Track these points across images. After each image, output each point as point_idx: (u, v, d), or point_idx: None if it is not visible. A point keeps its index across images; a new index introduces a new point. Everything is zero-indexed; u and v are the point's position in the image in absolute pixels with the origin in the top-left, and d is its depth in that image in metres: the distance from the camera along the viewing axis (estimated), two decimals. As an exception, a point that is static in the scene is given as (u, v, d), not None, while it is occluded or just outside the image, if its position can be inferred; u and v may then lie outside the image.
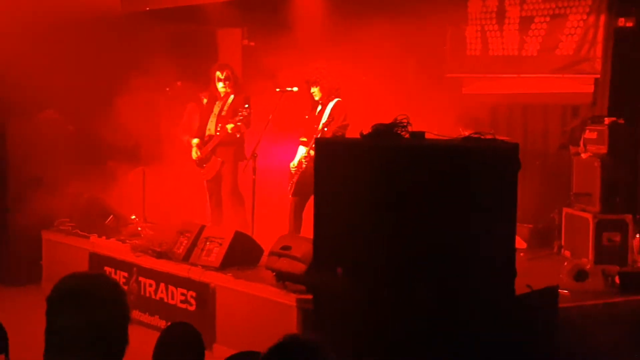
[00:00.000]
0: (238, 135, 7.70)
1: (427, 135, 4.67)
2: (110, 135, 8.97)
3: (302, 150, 7.48)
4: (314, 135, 7.13)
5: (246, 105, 7.59)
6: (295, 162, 7.45)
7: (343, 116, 7.29)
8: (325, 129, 7.19)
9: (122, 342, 2.25)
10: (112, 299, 2.24)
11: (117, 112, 8.93)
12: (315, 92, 7.44)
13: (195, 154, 7.91)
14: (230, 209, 7.87)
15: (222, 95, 7.89)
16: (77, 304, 2.19)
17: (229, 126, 7.58)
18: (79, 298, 2.20)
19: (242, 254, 6.72)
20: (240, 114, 7.57)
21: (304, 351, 2.25)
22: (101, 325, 2.18)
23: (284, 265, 5.98)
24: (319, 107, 7.51)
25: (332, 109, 7.36)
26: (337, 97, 7.44)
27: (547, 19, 8.19)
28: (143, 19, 9.83)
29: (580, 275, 6.25)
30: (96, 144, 9.13)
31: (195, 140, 7.98)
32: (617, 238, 6.89)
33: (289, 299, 5.79)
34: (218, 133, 7.75)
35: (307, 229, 6.60)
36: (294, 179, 7.39)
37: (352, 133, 7.10)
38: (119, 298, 2.26)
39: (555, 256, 7.39)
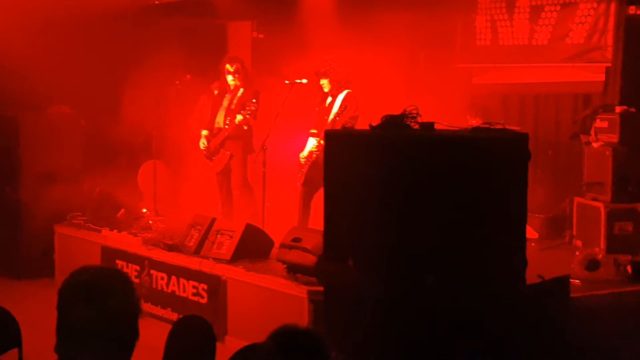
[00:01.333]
0: (245, 128, 7.71)
1: (436, 126, 4.66)
2: (122, 129, 9.01)
3: (312, 142, 7.49)
4: (325, 127, 7.14)
5: (254, 100, 7.60)
6: (305, 153, 7.46)
7: (354, 107, 7.29)
8: (337, 118, 7.19)
9: (133, 335, 2.26)
10: (123, 292, 2.25)
11: (128, 106, 8.96)
12: (325, 83, 7.45)
13: (202, 144, 7.93)
14: (241, 202, 7.89)
15: (231, 88, 7.90)
16: (88, 297, 2.20)
17: (239, 117, 7.60)
18: (90, 291, 2.22)
19: (253, 247, 6.74)
20: (248, 107, 7.58)
21: (304, 340, 2.27)
22: (112, 318, 2.19)
23: (295, 257, 6.00)
24: (329, 99, 7.51)
25: (343, 100, 7.37)
26: (347, 89, 7.44)
27: (558, 7, 8.15)
28: (153, 13, 9.85)
29: (592, 264, 6.23)
30: (108, 138, 9.17)
31: (204, 132, 7.99)
32: (629, 227, 6.87)
33: (299, 291, 5.80)
34: (227, 126, 7.76)
35: (317, 220, 6.61)
36: (304, 169, 7.41)
37: (362, 124, 7.11)
38: (129, 291, 2.27)
39: (566, 246, 7.36)
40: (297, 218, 7.51)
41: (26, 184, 8.66)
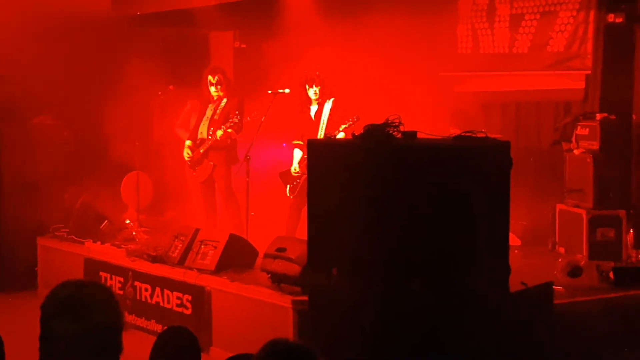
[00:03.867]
0: (229, 141, 7.71)
1: (419, 135, 4.69)
2: (104, 140, 8.98)
3: (299, 153, 7.53)
4: (317, 137, 7.20)
5: (237, 112, 7.61)
6: (296, 165, 7.47)
7: (348, 111, 7.36)
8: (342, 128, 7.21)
9: (116, 348, 2.26)
10: (106, 306, 2.25)
11: (111, 116, 8.93)
12: (317, 91, 7.48)
13: (186, 155, 7.93)
14: (225, 212, 7.88)
15: (215, 98, 7.89)
16: (71, 312, 2.20)
17: (219, 133, 7.62)
18: (73, 305, 2.21)
19: (237, 257, 6.73)
20: (230, 120, 7.59)
21: (295, 355, 2.27)
22: (95, 332, 2.19)
23: (279, 267, 5.99)
24: (314, 108, 7.55)
25: (332, 109, 7.42)
26: (332, 97, 7.53)
27: (537, 16, 8.21)
28: (134, 23, 9.83)
29: (575, 271, 6.26)
30: (90, 148, 9.14)
31: (188, 142, 7.99)
32: (611, 234, 6.91)
33: (284, 301, 5.80)
34: (210, 137, 7.76)
35: (302, 230, 6.61)
36: (300, 181, 7.39)
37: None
38: (112, 305, 2.27)
39: (549, 253, 7.39)
40: (281, 228, 7.50)
41: (8, 196, 8.60)
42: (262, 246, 6.52)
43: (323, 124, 7.45)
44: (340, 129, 7.16)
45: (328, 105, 7.51)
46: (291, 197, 7.54)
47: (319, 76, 7.52)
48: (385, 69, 8.58)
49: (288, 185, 7.57)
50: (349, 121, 7.14)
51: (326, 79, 7.54)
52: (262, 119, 7.50)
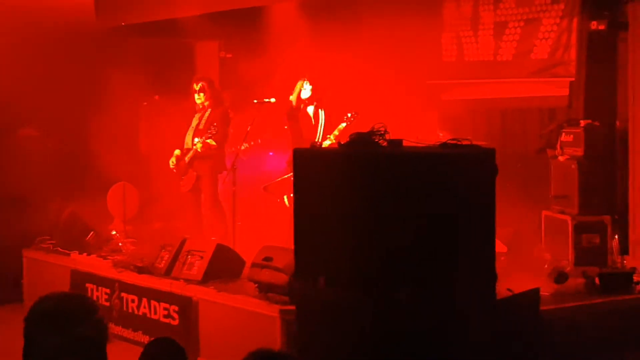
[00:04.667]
0: (209, 152, 7.71)
1: (405, 143, 4.70)
2: (90, 151, 8.95)
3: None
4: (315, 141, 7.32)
5: (214, 124, 7.61)
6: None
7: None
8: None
9: (101, 361, 2.25)
10: (89, 318, 2.24)
11: (96, 127, 8.91)
12: (308, 90, 7.56)
13: (171, 163, 7.93)
14: (211, 221, 7.87)
15: (200, 107, 7.89)
16: (55, 324, 2.19)
17: (198, 145, 7.62)
18: (57, 318, 2.21)
19: (224, 267, 6.71)
20: (209, 131, 7.59)
21: None
22: (79, 345, 2.18)
23: (266, 276, 5.98)
24: (311, 108, 7.62)
25: (326, 120, 7.58)
26: (322, 108, 7.64)
27: (521, 23, 8.26)
28: (119, 34, 9.81)
29: (561, 277, 6.29)
30: (76, 160, 9.11)
31: (176, 151, 7.99)
32: (597, 239, 6.92)
33: (271, 310, 5.78)
34: (194, 147, 7.75)
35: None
36: None
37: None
38: (96, 317, 2.26)
39: (535, 259, 7.41)
40: (269, 237, 7.47)
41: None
42: (249, 256, 6.51)
43: (320, 128, 7.53)
44: (341, 128, 7.26)
45: (322, 117, 7.59)
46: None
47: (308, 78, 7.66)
48: (372, 78, 8.61)
49: (285, 196, 7.58)
50: (346, 118, 7.26)
51: (315, 84, 7.64)
52: (248, 129, 7.50)
